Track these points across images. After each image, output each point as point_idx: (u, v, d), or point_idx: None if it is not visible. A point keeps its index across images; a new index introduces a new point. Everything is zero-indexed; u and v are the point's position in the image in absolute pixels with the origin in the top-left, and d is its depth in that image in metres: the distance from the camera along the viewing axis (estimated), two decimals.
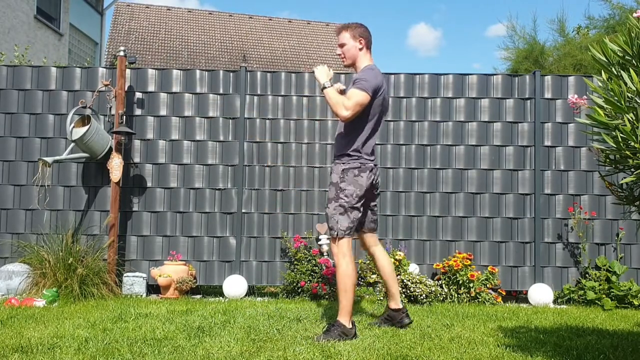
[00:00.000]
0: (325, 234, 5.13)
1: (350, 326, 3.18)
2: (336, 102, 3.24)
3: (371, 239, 3.58)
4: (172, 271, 4.93)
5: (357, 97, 3.22)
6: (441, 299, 4.85)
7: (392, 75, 5.41)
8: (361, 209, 3.33)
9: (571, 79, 5.41)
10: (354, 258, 3.33)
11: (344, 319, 3.17)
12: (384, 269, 3.56)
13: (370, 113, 3.31)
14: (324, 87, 3.31)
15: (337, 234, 3.23)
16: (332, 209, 3.26)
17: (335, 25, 18.98)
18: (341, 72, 5.54)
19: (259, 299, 5.00)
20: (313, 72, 3.47)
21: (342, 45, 3.42)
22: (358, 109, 3.24)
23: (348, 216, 3.24)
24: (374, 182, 3.39)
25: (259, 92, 5.41)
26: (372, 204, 3.52)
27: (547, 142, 5.34)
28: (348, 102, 3.22)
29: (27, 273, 4.74)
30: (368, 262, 5.03)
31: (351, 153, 3.31)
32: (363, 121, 3.31)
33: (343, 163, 3.31)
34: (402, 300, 3.65)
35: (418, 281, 4.76)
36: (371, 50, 3.48)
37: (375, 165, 3.40)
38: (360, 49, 3.40)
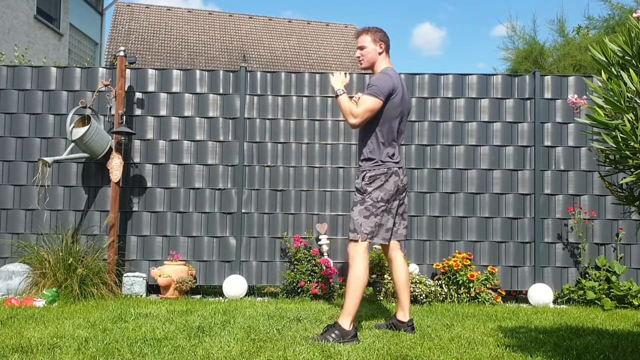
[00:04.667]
0: (325, 233, 5.13)
1: (350, 328, 3.12)
2: (345, 110, 3.31)
3: (394, 244, 3.51)
4: (172, 271, 4.93)
5: (367, 103, 3.26)
6: (441, 299, 4.85)
7: None
8: (386, 214, 3.32)
9: (571, 79, 5.41)
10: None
11: (344, 320, 3.13)
12: (398, 277, 3.48)
13: (384, 117, 3.31)
14: (337, 95, 3.35)
15: (359, 237, 3.23)
16: (356, 212, 3.28)
17: (336, 25, 18.99)
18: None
19: (259, 299, 5.00)
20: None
21: (361, 48, 3.46)
22: (368, 115, 3.27)
23: (371, 220, 3.26)
24: (400, 186, 3.37)
25: (259, 92, 5.41)
26: (401, 209, 3.47)
27: (547, 142, 5.34)
28: (357, 109, 3.26)
29: (27, 273, 4.74)
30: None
31: (373, 157, 3.32)
32: (377, 125, 3.33)
33: (368, 169, 3.31)
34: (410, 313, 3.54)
35: (418, 281, 4.76)
36: (389, 55, 3.51)
37: (400, 168, 3.39)
38: (380, 53, 3.44)
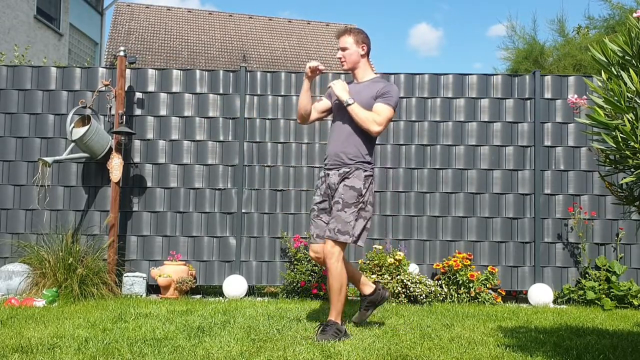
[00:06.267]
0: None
1: (341, 324, 3.22)
2: (366, 119, 3.25)
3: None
4: (172, 271, 4.93)
5: (388, 112, 3.29)
6: (441, 299, 4.85)
7: (392, 75, 5.41)
8: (369, 216, 3.35)
9: (571, 79, 5.41)
10: (346, 259, 3.35)
11: (337, 317, 3.20)
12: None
13: None
14: (348, 104, 3.27)
15: (350, 240, 3.20)
16: (349, 214, 3.20)
17: (336, 25, 18.96)
18: (340, 72, 5.55)
19: (259, 299, 5.00)
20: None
21: (344, 49, 3.40)
22: (387, 123, 3.32)
23: (361, 223, 3.25)
24: None
25: (259, 92, 5.41)
26: None
27: (547, 142, 5.34)
28: (379, 117, 3.26)
29: (27, 273, 4.74)
30: (368, 262, 5.03)
31: (370, 161, 3.37)
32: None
33: (365, 170, 3.31)
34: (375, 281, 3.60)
35: (418, 281, 4.76)
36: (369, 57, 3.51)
37: None
38: (363, 55, 3.42)
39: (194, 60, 15.35)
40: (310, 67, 3.37)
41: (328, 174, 3.36)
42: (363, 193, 3.26)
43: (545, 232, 5.26)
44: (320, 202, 3.38)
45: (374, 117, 3.26)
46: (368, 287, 3.54)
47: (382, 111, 3.28)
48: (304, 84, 3.44)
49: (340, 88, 3.33)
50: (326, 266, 3.26)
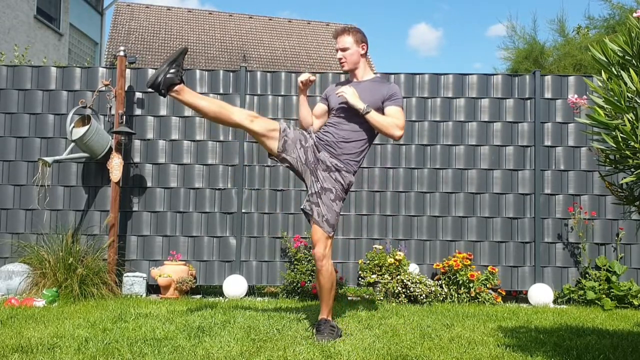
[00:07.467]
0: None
1: (332, 320, 3.30)
2: (388, 125, 3.23)
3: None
4: (172, 271, 4.93)
5: (402, 115, 3.30)
6: (441, 299, 4.85)
7: (392, 75, 5.41)
8: None
9: (571, 79, 5.41)
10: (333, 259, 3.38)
11: (329, 314, 3.29)
12: None
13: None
14: (367, 112, 3.19)
15: (332, 233, 3.26)
16: (338, 207, 3.26)
17: (336, 25, 18.97)
18: (339, 72, 5.55)
19: (259, 299, 5.00)
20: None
21: (344, 50, 3.36)
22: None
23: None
24: None
25: (259, 92, 5.41)
26: None
27: (547, 142, 5.34)
28: (399, 121, 3.26)
29: (27, 273, 4.74)
30: (368, 262, 5.03)
31: (361, 160, 3.36)
32: (378, 134, 3.38)
33: (354, 173, 3.33)
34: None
35: (418, 281, 4.76)
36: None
37: None
38: (363, 55, 3.40)
39: (194, 60, 15.35)
40: (301, 81, 3.37)
41: (320, 149, 3.30)
42: (346, 191, 3.33)
43: (545, 232, 5.26)
44: (297, 141, 3.28)
45: (396, 122, 3.25)
46: None
47: (398, 114, 3.28)
48: (300, 98, 3.47)
49: (352, 96, 3.21)
50: (317, 267, 3.28)
